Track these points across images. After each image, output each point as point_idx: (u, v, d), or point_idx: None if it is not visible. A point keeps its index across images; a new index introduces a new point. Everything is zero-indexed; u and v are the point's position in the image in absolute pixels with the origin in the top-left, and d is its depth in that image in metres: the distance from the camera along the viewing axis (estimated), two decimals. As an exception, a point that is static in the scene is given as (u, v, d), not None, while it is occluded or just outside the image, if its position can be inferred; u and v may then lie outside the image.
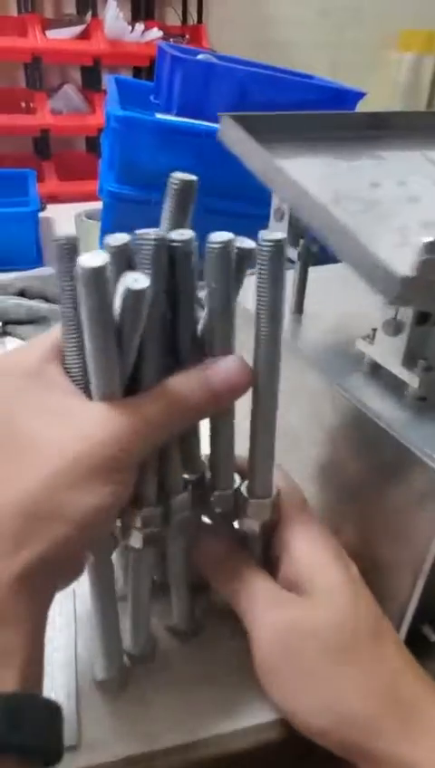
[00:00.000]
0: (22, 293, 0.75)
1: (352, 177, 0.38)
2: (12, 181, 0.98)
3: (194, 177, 0.26)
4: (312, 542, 0.32)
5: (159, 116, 0.79)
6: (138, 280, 0.24)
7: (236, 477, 0.33)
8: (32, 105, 2.15)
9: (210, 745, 0.32)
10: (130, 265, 0.25)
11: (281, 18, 2.48)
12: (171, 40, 2.01)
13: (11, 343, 0.68)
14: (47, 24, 2.07)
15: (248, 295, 0.29)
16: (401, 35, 2.67)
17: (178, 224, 0.27)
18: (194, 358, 0.28)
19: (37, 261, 0.87)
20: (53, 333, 0.28)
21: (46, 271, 0.82)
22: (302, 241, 0.40)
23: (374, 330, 0.35)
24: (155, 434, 0.27)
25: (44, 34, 2.02)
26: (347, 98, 0.81)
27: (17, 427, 0.26)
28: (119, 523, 0.31)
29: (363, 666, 0.28)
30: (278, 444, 0.31)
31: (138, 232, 0.25)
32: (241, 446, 0.32)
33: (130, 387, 0.27)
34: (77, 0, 2.19)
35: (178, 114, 0.79)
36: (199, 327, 0.29)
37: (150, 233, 0.25)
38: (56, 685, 0.34)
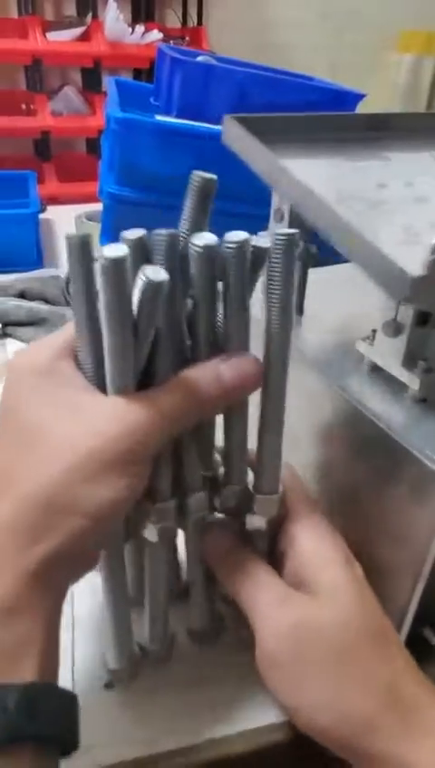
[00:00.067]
0: (22, 295, 0.75)
1: (358, 177, 0.38)
2: (12, 183, 0.98)
3: (214, 176, 0.27)
4: (318, 539, 0.32)
5: (158, 118, 0.79)
6: (157, 272, 0.24)
7: (250, 472, 0.33)
8: (32, 107, 2.15)
9: (211, 748, 0.32)
10: (147, 259, 0.26)
11: (281, 20, 2.49)
12: (171, 42, 2.01)
13: (11, 345, 0.68)
14: (47, 26, 2.07)
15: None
16: (401, 37, 2.67)
17: (197, 222, 0.27)
18: (210, 356, 0.29)
19: (37, 262, 0.87)
20: (66, 331, 0.29)
21: (46, 272, 0.82)
22: (302, 243, 0.40)
23: (374, 331, 0.35)
24: (169, 427, 0.27)
25: (45, 36, 2.02)
26: (347, 99, 0.81)
27: (32, 424, 0.26)
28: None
29: (366, 665, 0.28)
30: (278, 445, 0.31)
31: (153, 232, 0.26)
32: (253, 442, 0.32)
33: (144, 381, 0.27)
34: (77, 2, 2.19)
35: (177, 116, 0.79)
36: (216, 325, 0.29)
37: (163, 231, 0.25)
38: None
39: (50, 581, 0.25)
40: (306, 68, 1.00)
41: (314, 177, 0.34)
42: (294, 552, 0.32)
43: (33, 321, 0.71)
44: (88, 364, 0.28)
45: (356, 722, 0.27)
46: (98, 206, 0.81)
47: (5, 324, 0.70)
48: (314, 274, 0.41)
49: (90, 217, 0.87)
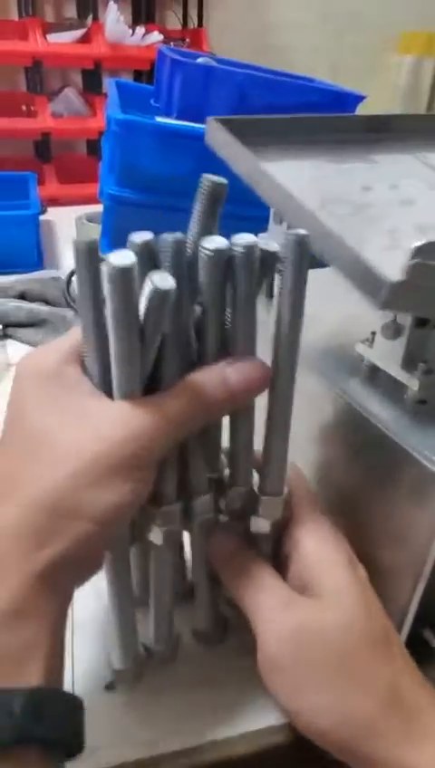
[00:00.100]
0: (22, 296, 0.75)
1: (343, 180, 0.38)
2: (12, 184, 0.98)
3: (224, 180, 0.26)
4: (321, 541, 0.32)
5: (159, 119, 0.79)
6: (164, 279, 0.24)
7: (255, 474, 0.33)
8: (33, 108, 2.15)
9: (213, 750, 0.32)
10: (154, 264, 0.26)
11: (281, 22, 2.49)
12: (172, 43, 2.01)
13: (11, 346, 0.68)
14: (48, 28, 2.07)
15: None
16: (401, 38, 2.67)
17: (207, 226, 0.27)
18: (218, 359, 0.29)
19: (38, 264, 0.87)
20: (72, 336, 0.29)
21: (47, 274, 0.82)
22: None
23: (374, 333, 0.35)
24: (175, 431, 0.27)
25: (45, 38, 2.02)
26: (347, 101, 0.81)
27: (38, 428, 0.26)
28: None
29: (368, 669, 0.28)
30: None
31: (161, 236, 0.26)
32: (259, 443, 0.32)
33: (150, 386, 0.27)
34: (78, 4, 2.20)
35: (178, 117, 0.79)
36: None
37: (169, 235, 0.25)
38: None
39: (56, 586, 0.25)
40: (307, 69, 1.00)
41: (297, 179, 0.33)
42: (298, 554, 0.32)
43: (34, 323, 0.71)
44: (94, 369, 0.28)
45: (357, 725, 0.27)
46: (98, 208, 0.81)
47: (6, 325, 0.70)
48: (314, 275, 0.41)
49: (90, 219, 0.87)
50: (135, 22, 2.24)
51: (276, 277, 0.28)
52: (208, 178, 0.26)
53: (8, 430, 0.28)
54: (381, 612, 0.30)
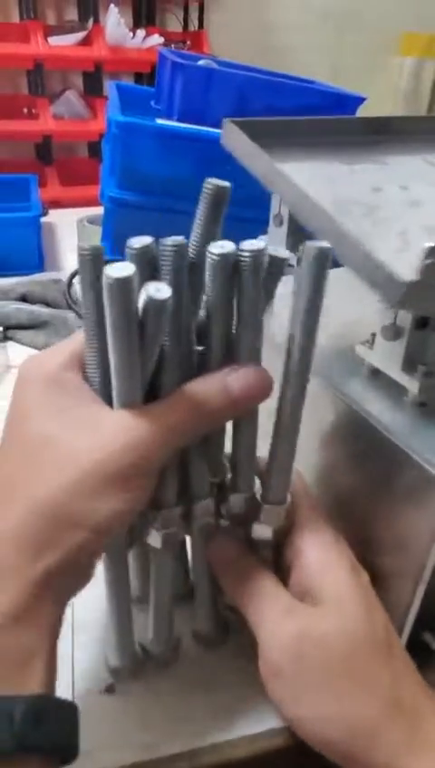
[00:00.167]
0: (23, 298, 0.75)
1: (354, 181, 0.38)
2: (14, 186, 0.98)
3: (227, 184, 0.26)
4: (323, 547, 0.32)
5: (159, 121, 0.79)
6: (160, 290, 0.24)
7: (256, 480, 0.33)
8: (34, 111, 2.16)
9: (212, 753, 0.32)
10: (154, 269, 0.26)
11: (282, 23, 2.49)
12: (172, 46, 2.01)
13: (12, 348, 0.68)
14: (49, 31, 2.08)
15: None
16: (403, 39, 2.67)
17: (210, 231, 0.27)
18: (223, 367, 0.28)
19: (39, 266, 0.87)
20: (75, 340, 0.29)
21: (48, 276, 0.82)
22: (301, 246, 0.40)
23: (373, 335, 0.35)
24: (175, 440, 0.27)
25: (46, 41, 2.03)
26: (347, 103, 0.81)
27: (38, 435, 0.26)
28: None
29: (370, 676, 0.28)
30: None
31: (161, 240, 0.26)
32: (264, 449, 0.32)
33: (151, 392, 0.27)
34: (79, 7, 2.20)
35: (178, 120, 0.79)
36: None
37: (168, 240, 0.25)
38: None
39: (54, 592, 0.25)
40: (308, 71, 1.00)
41: (310, 180, 0.34)
42: (300, 561, 0.32)
43: (35, 325, 0.71)
44: (96, 377, 0.28)
45: (359, 733, 0.27)
46: (99, 210, 0.81)
47: (6, 327, 0.70)
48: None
49: (91, 221, 0.87)
50: (136, 24, 2.25)
51: (293, 288, 0.27)
52: (211, 182, 0.26)
53: (9, 434, 0.28)
54: (383, 618, 0.30)
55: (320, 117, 0.43)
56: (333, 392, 0.35)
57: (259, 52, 2.14)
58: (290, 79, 0.86)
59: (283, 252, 0.27)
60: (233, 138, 0.38)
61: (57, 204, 1.66)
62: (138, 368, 0.26)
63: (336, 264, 0.42)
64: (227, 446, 0.32)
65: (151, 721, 0.33)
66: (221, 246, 0.25)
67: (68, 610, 0.38)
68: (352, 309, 0.42)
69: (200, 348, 0.28)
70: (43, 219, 0.88)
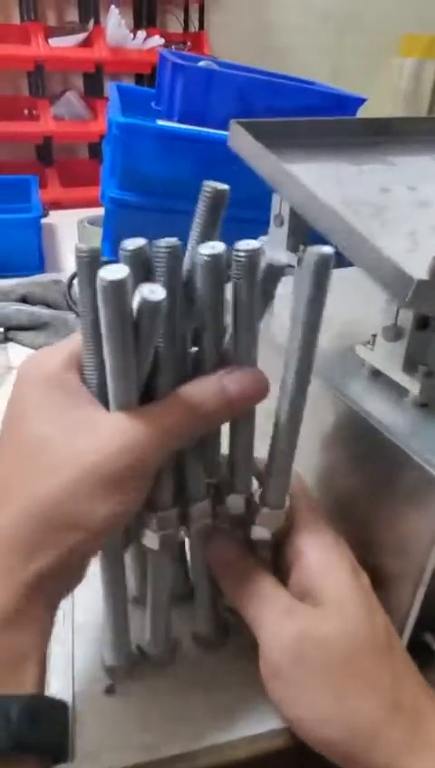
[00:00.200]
0: (24, 299, 0.75)
1: (362, 181, 0.39)
2: (14, 187, 0.98)
3: (226, 187, 0.26)
4: (323, 548, 0.32)
5: (160, 123, 0.79)
6: (154, 291, 0.24)
7: (254, 481, 0.33)
8: (34, 112, 2.16)
9: (212, 754, 0.32)
10: (146, 271, 0.25)
11: (282, 24, 2.49)
12: (173, 47, 2.01)
13: (12, 349, 0.68)
14: (50, 32, 2.08)
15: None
16: (403, 40, 2.68)
17: (207, 233, 0.27)
18: (217, 368, 0.28)
19: (39, 267, 0.87)
20: (73, 341, 0.29)
21: (48, 277, 0.82)
22: (302, 247, 0.40)
23: (374, 335, 0.35)
24: (171, 442, 0.27)
25: (47, 42, 2.03)
26: (348, 104, 0.81)
27: (35, 436, 0.26)
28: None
29: (371, 676, 0.28)
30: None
31: (155, 242, 0.25)
32: (262, 450, 0.32)
33: (146, 393, 0.27)
34: (79, 8, 2.20)
35: (179, 121, 0.79)
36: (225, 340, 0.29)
37: (162, 242, 0.25)
38: (52, 694, 0.34)
39: (46, 593, 0.25)
40: (308, 72, 1.00)
41: (318, 181, 0.34)
42: (300, 561, 0.31)
43: (35, 326, 0.71)
44: (93, 379, 0.28)
45: (359, 734, 0.27)
46: (100, 211, 0.81)
47: (7, 329, 0.70)
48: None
49: (92, 222, 0.87)
50: (136, 26, 2.25)
51: (293, 293, 0.27)
52: (210, 185, 0.26)
53: (6, 434, 0.28)
54: (383, 619, 0.30)
55: (323, 118, 0.43)
56: (333, 393, 0.35)
57: (260, 54, 2.14)
58: (290, 80, 0.86)
59: (281, 258, 0.27)
60: (239, 139, 0.38)
61: (58, 205, 1.66)
62: (133, 369, 0.26)
63: (338, 265, 0.43)
64: (224, 446, 0.32)
65: (151, 722, 0.33)
66: (212, 247, 0.25)
67: (69, 612, 0.38)
68: (352, 310, 0.42)
69: (195, 349, 0.28)
70: (43, 220, 0.89)
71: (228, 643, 0.37)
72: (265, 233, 0.43)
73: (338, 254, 0.33)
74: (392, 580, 0.33)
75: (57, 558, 0.25)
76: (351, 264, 0.31)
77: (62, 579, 0.26)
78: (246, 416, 0.30)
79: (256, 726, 0.33)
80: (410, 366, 0.33)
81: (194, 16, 2.36)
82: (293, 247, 0.40)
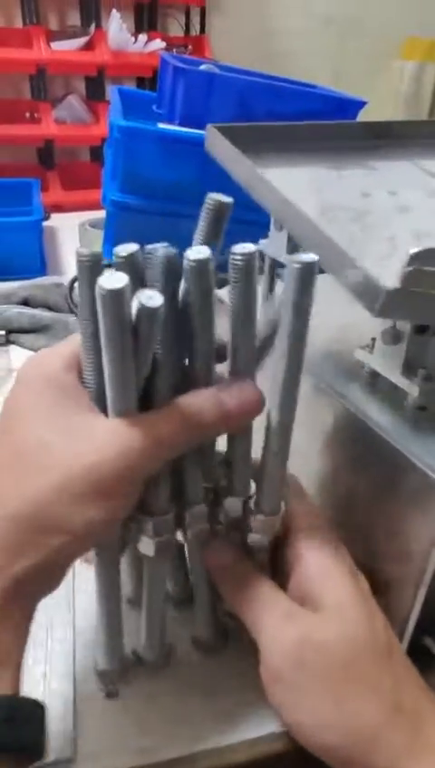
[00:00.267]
0: (25, 302, 0.75)
1: (343, 187, 0.38)
2: (16, 191, 0.98)
3: (229, 199, 0.26)
4: (322, 553, 0.32)
5: (161, 126, 0.79)
6: (152, 297, 0.24)
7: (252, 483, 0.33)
8: (36, 115, 2.16)
9: (212, 757, 0.32)
10: (138, 276, 0.25)
11: (284, 28, 2.50)
12: (174, 50, 2.02)
13: (14, 352, 0.68)
14: (52, 36, 2.09)
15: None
16: (404, 44, 2.68)
17: (209, 245, 0.27)
18: (208, 372, 0.28)
19: (41, 270, 0.87)
20: (73, 342, 0.29)
21: (49, 280, 0.82)
22: (302, 250, 0.40)
23: (373, 339, 0.35)
24: (165, 452, 0.27)
25: (49, 46, 2.04)
26: (349, 107, 0.81)
27: (30, 437, 0.27)
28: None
29: (371, 681, 0.28)
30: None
31: (148, 247, 0.25)
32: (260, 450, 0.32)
33: (144, 400, 0.27)
34: (81, 12, 2.21)
35: (180, 124, 0.79)
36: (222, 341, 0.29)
37: (159, 249, 0.25)
38: (54, 696, 0.34)
39: (26, 595, 0.26)
40: (310, 76, 1.00)
41: (296, 186, 0.33)
42: (299, 566, 0.31)
43: (36, 329, 0.71)
44: (92, 383, 0.28)
45: (360, 738, 0.27)
46: (102, 214, 0.81)
47: (9, 331, 0.70)
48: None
49: (93, 225, 0.87)
50: (138, 29, 2.26)
51: (281, 300, 0.27)
52: (213, 197, 0.26)
53: (2, 433, 0.28)
54: (383, 623, 0.30)
55: (308, 122, 0.42)
56: (332, 396, 0.35)
57: (261, 57, 2.15)
58: (291, 83, 0.86)
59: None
60: (216, 143, 0.38)
61: (59, 208, 1.66)
62: (132, 376, 0.26)
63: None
64: (222, 445, 0.32)
65: (150, 725, 0.33)
66: (198, 252, 0.25)
67: (69, 615, 0.38)
68: (352, 313, 0.42)
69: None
70: (45, 223, 0.89)
71: (228, 647, 0.37)
72: (265, 236, 0.44)
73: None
74: (393, 584, 0.33)
75: (40, 559, 0.25)
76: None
77: (41, 581, 0.26)
78: (243, 428, 0.30)
79: (256, 730, 0.33)
80: (409, 369, 0.33)
81: (195, 20, 2.37)
82: (293, 251, 0.40)
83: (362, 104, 0.81)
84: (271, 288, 0.45)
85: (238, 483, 0.32)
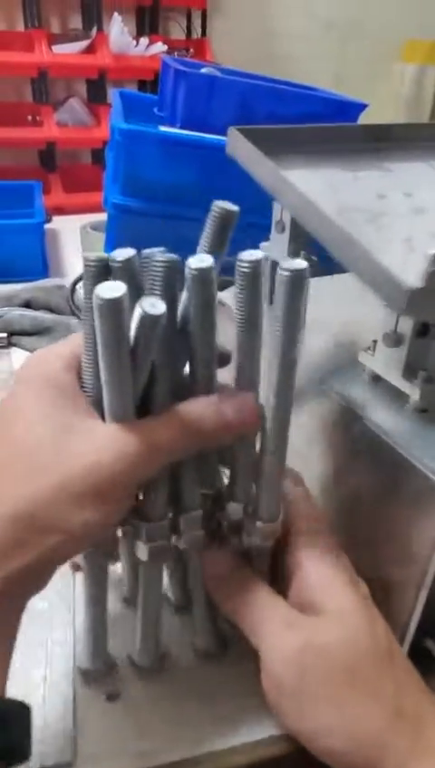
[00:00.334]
0: (27, 305, 0.75)
1: (359, 188, 0.39)
2: (17, 193, 0.99)
3: (235, 208, 0.26)
4: (322, 559, 0.31)
5: (162, 129, 0.80)
6: (155, 305, 0.24)
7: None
8: (38, 118, 2.17)
9: (212, 760, 0.32)
10: (135, 281, 0.25)
11: (284, 31, 2.50)
12: (175, 53, 2.03)
13: (15, 354, 0.68)
14: (53, 39, 2.09)
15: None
16: (405, 46, 2.68)
17: (214, 253, 0.27)
18: (208, 379, 0.28)
19: (43, 272, 0.87)
20: (73, 342, 0.29)
21: (51, 282, 0.83)
22: (302, 253, 0.40)
23: (375, 341, 0.35)
24: (162, 458, 0.27)
25: (50, 49, 2.04)
26: (349, 110, 0.81)
27: (30, 436, 0.27)
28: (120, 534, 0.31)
29: (374, 686, 0.28)
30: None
31: (146, 252, 0.25)
32: None
33: (142, 405, 0.27)
34: (83, 15, 2.22)
35: (181, 127, 0.80)
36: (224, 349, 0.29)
37: (157, 254, 0.25)
38: (53, 698, 0.34)
39: (16, 595, 0.26)
40: (311, 79, 1.01)
41: (315, 187, 0.34)
42: (299, 572, 0.31)
43: (38, 331, 0.71)
44: (91, 387, 0.28)
45: (363, 744, 0.27)
46: (103, 217, 0.81)
47: (10, 333, 0.70)
48: (315, 284, 0.41)
49: (95, 227, 0.88)
50: (139, 32, 2.26)
51: (273, 307, 0.27)
52: (219, 205, 0.26)
53: (1, 432, 0.28)
54: (384, 628, 0.30)
55: (322, 125, 0.43)
56: (334, 398, 0.35)
57: (262, 60, 2.15)
58: (292, 86, 0.87)
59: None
60: (238, 145, 0.39)
61: (61, 210, 1.67)
62: (129, 384, 0.26)
63: (328, 272, 0.43)
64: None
65: (150, 728, 0.33)
66: (201, 260, 0.25)
67: (69, 616, 0.38)
68: (353, 314, 0.42)
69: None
70: (46, 226, 0.89)
71: (229, 651, 0.37)
72: (267, 238, 0.44)
73: (330, 260, 0.33)
74: (394, 586, 0.33)
75: (34, 559, 0.25)
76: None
77: (31, 581, 0.26)
78: (246, 436, 0.30)
79: (257, 732, 0.33)
80: (410, 372, 0.33)
81: (196, 23, 2.37)
82: (294, 253, 0.40)
83: (362, 107, 0.81)
84: (273, 290, 0.45)
85: (240, 488, 0.31)
